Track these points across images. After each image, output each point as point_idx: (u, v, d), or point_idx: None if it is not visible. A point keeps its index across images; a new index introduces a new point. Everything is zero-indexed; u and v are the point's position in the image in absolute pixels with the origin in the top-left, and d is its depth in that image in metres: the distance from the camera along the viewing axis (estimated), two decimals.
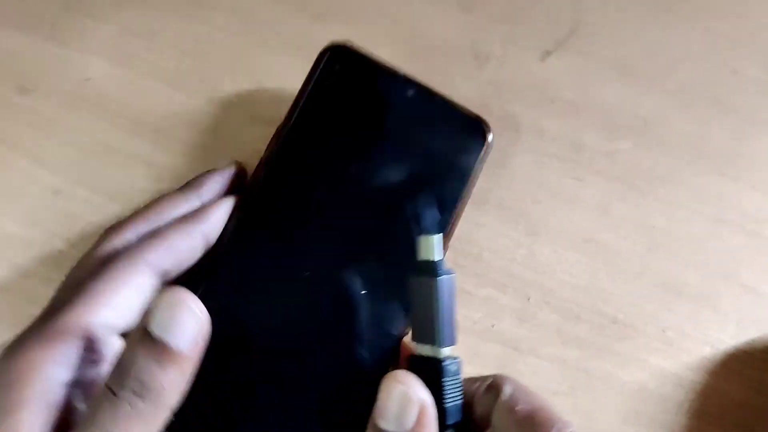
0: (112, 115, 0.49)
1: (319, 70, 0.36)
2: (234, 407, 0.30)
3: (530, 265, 0.48)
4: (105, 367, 0.29)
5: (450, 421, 0.31)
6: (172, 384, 0.24)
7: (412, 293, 0.29)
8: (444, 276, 0.29)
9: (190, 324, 0.25)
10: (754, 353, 0.47)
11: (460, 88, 0.53)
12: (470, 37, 0.54)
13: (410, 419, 0.26)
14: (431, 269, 0.29)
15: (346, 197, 0.33)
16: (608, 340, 0.46)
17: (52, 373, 0.27)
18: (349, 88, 0.36)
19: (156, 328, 0.25)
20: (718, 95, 0.53)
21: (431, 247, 0.29)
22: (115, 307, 0.29)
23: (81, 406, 0.28)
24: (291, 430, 0.30)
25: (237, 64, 0.51)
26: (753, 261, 0.49)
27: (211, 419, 0.29)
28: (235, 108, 0.50)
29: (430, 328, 0.29)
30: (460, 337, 0.47)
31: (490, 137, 0.40)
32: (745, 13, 0.55)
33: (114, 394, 0.24)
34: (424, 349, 0.32)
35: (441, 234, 0.30)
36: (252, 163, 0.41)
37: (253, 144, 0.46)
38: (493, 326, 0.47)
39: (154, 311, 0.25)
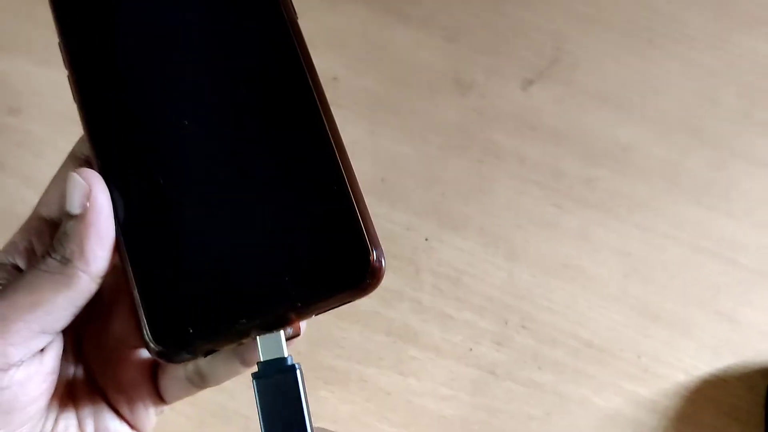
0: None
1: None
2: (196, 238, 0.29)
3: (509, 289, 0.49)
4: None
5: None
6: (78, 243, 0.27)
7: (264, 396, 0.27)
8: (298, 369, 0.28)
9: (76, 191, 0.28)
10: (729, 380, 0.47)
11: (444, 115, 0.54)
12: (454, 66, 0.55)
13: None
14: (283, 366, 0.28)
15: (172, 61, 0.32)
16: (584, 365, 0.47)
17: None
18: None
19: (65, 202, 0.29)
20: (696, 124, 0.54)
21: (277, 344, 0.28)
22: None
23: None
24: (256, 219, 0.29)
25: None
26: (728, 288, 0.49)
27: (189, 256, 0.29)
28: None
29: (297, 424, 0.28)
30: (440, 360, 0.48)
31: None
32: (723, 44, 0.56)
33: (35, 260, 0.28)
34: None
35: (282, 330, 0.28)
36: None
37: None
38: (471, 350, 0.47)
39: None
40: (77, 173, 0.28)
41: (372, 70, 0.55)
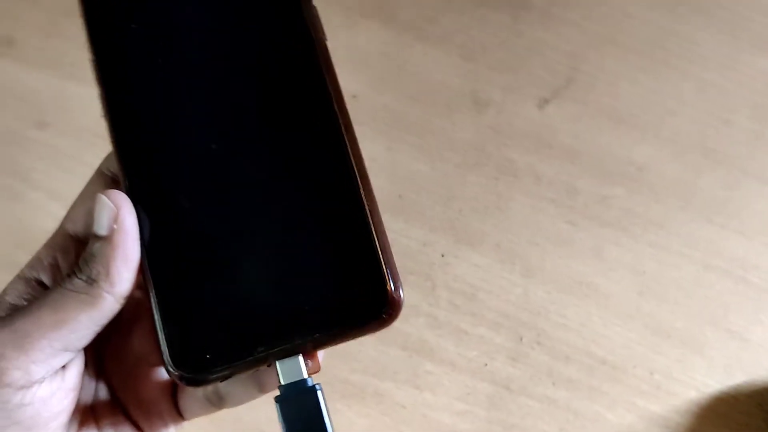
0: None
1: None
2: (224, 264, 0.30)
3: (524, 306, 0.50)
4: None
5: None
6: (104, 264, 0.28)
7: (288, 419, 0.28)
8: (319, 390, 0.28)
9: (104, 212, 0.28)
10: (740, 398, 0.48)
11: (461, 132, 0.55)
12: (471, 84, 0.56)
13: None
14: (304, 388, 0.28)
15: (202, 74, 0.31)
16: (598, 382, 0.48)
17: None
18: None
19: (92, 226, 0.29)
20: (709, 144, 0.54)
21: (296, 367, 0.28)
22: None
23: None
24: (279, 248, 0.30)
25: None
26: (740, 307, 0.50)
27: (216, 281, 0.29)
28: None
29: None
30: (456, 374, 0.48)
31: None
32: (735, 65, 0.57)
33: (60, 279, 0.29)
34: None
35: (300, 354, 0.29)
36: None
37: None
38: (486, 365, 0.48)
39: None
40: (105, 195, 0.29)
41: (390, 88, 0.56)
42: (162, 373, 0.33)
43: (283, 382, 0.28)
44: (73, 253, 0.30)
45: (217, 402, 0.32)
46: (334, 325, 0.28)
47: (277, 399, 0.28)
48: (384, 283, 0.28)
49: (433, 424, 0.47)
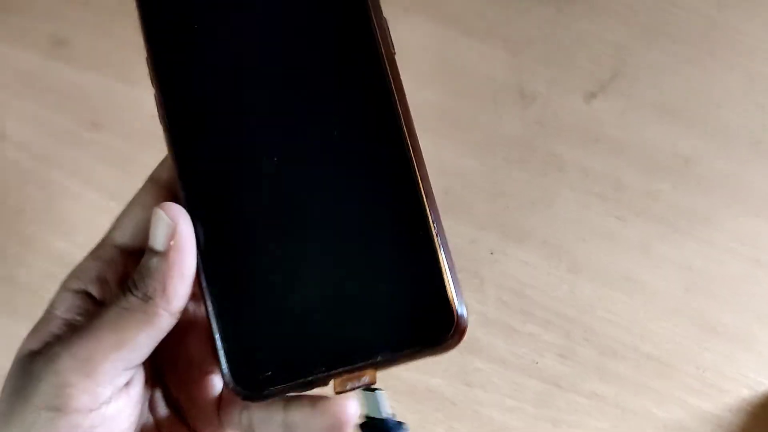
0: None
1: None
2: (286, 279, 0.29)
3: (572, 302, 0.50)
4: None
5: None
6: (156, 279, 0.28)
7: None
8: (406, 428, 0.28)
9: (161, 228, 0.28)
10: None
11: (507, 127, 0.55)
12: (516, 78, 0.56)
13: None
14: (382, 427, 0.28)
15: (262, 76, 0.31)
16: (646, 378, 0.49)
17: None
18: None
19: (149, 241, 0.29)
20: (757, 136, 0.54)
21: (378, 403, 0.28)
22: None
23: None
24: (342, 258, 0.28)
25: None
26: None
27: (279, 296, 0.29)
28: None
29: None
30: (506, 371, 0.49)
31: None
32: None
33: (121, 291, 0.29)
34: None
35: (384, 391, 0.29)
36: None
37: None
38: (536, 363, 0.49)
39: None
40: (162, 209, 0.28)
41: (436, 83, 0.56)
42: (215, 380, 0.33)
43: (367, 413, 0.28)
44: (121, 266, 0.30)
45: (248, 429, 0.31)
46: (396, 350, 0.28)
47: (362, 426, 0.28)
48: (450, 307, 0.27)
49: (483, 420, 0.48)
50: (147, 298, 0.28)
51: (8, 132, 0.55)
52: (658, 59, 0.56)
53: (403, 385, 0.49)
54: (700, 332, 0.49)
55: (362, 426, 0.28)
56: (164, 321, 0.28)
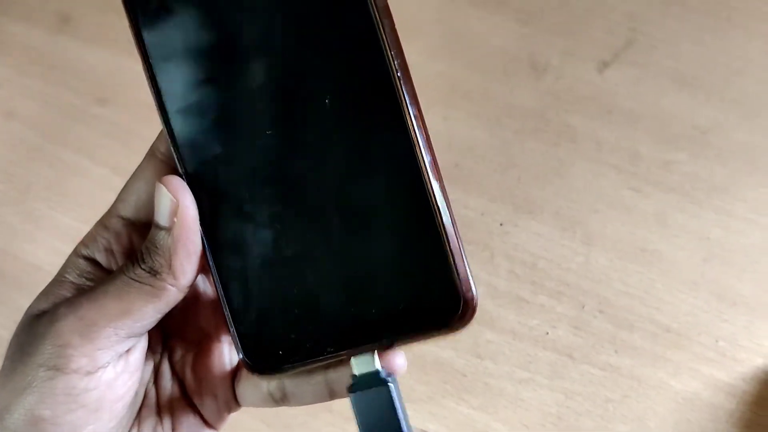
0: None
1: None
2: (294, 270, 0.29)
3: (586, 273, 0.49)
4: None
5: None
6: (161, 252, 0.28)
7: (361, 410, 0.28)
8: (392, 382, 0.28)
9: (163, 203, 0.28)
10: None
11: (519, 98, 0.54)
12: (528, 49, 0.55)
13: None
14: (377, 379, 0.28)
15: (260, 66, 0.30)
16: (661, 349, 0.47)
17: None
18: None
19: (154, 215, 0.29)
20: None
21: (369, 359, 0.28)
22: None
23: None
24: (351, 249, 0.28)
25: None
26: None
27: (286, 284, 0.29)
28: None
29: None
30: (517, 343, 0.48)
31: None
32: None
33: (129, 261, 0.29)
34: None
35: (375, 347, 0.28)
36: None
37: None
38: (547, 333, 0.48)
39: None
40: (164, 184, 0.28)
41: (446, 55, 0.56)
42: (224, 355, 0.33)
43: (356, 373, 0.28)
44: (126, 237, 0.31)
45: (280, 399, 0.32)
46: (402, 331, 0.28)
47: (350, 389, 0.28)
48: (456, 289, 0.27)
49: (495, 391, 0.47)
50: (154, 272, 0.28)
51: (15, 108, 0.55)
52: (673, 27, 0.55)
53: (413, 357, 0.47)
54: (718, 303, 0.48)
55: (350, 389, 0.28)
56: (171, 295, 0.28)
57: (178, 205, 0.28)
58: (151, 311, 0.28)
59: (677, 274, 0.49)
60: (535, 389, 0.47)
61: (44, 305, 0.29)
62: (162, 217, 0.28)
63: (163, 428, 0.32)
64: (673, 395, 0.47)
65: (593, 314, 0.48)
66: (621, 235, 0.50)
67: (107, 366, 0.29)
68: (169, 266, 0.28)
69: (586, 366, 0.47)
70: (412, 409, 0.47)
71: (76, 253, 0.31)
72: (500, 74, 0.55)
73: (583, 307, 0.49)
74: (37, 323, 0.29)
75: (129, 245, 0.31)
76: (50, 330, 0.28)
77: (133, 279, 0.28)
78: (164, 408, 0.32)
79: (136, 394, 0.31)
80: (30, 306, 0.30)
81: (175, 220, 0.28)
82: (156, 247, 0.28)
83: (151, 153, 0.31)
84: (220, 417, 0.33)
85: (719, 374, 0.47)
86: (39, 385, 0.28)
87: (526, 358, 0.48)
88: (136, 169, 0.31)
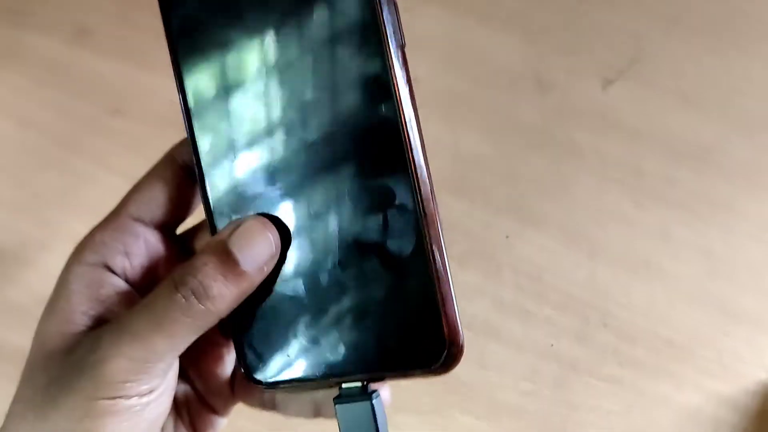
0: None
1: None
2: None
3: (590, 287, 0.50)
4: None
5: None
6: (228, 297, 0.27)
7: (345, 420, 0.29)
8: (375, 398, 0.29)
9: (263, 251, 0.28)
10: None
11: (525, 114, 0.55)
12: (533, 66, 0.56)
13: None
14: (361, 393, 0.29)
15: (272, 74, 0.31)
16: (664, 362, 0.48)
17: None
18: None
19: (233, 245, 0.28)
20: None
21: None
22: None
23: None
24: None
25: None
26: None
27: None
28: None
29: None
30: (521, 355, 0.49)
31: None
32: None
33: (176, 287, 0.27)
34: None
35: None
36: None
37: None
38: (552, 345, 0.49)
39: (238, 230, 0.28)
40: (267, 229, 0.28)
41: (453, 71, 0.57)
42: (225, 355, 0.34)
43: (343, 386, 0.29)
44: (142, 240, 0.30)
45: (271, 406, 0.33)
46: (386, 368, 0.29)
47: (336, 400, 0.29)
48: (441, 334, 0.27)
49: (499, 402, 0.48)
50: (199, 296, 0.27)
51: (32, 118, 0.56)
52: (677, 47, 0.56)
53: None
54: (720, 317, 0.49)
55: (336, 400, 0.29)
56: (210, 319, 0.28)
57: (274, 257, 0.28)
58: (192, 337, 0.28)
59: (681, 288, 0.50)
60: (538, 401, 0.48)
61: (58, 326, 0.29)
62: (251, 262, 0.28)
63: (183, 422, 0.33)
64: (676, 408, 0.47)
65: (597, 327, 0.49)
66: (625, 250, 0.51)
67: (159, 387, 0.28)
68: (216, 294, 0.27)
69: (589, 378, 0.48)
70: (416, 420, 0.48)
71: (79, 261, 0.30)
72: (506, 90, 0.56)
73: (588, 319, 0.49)
74: (76, 359, 0.28)
75: (145, 248, 0.31)
76: (101, 372, 0.27)
77: (173, 302, 0.27)
78: (181, 405, 0.33)
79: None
80: (39, 327, 0.29)
81: (265, 269, 0.28)
82: (207, 273, 0.28)
83: (170, 157, 0.31)
84: (226, 406, 0.34)
85: (722, 388, 0.47)
86: (100, 414, 0.27)
87: (530, 370, 0.48)
88: (149, 172, 0.31)
